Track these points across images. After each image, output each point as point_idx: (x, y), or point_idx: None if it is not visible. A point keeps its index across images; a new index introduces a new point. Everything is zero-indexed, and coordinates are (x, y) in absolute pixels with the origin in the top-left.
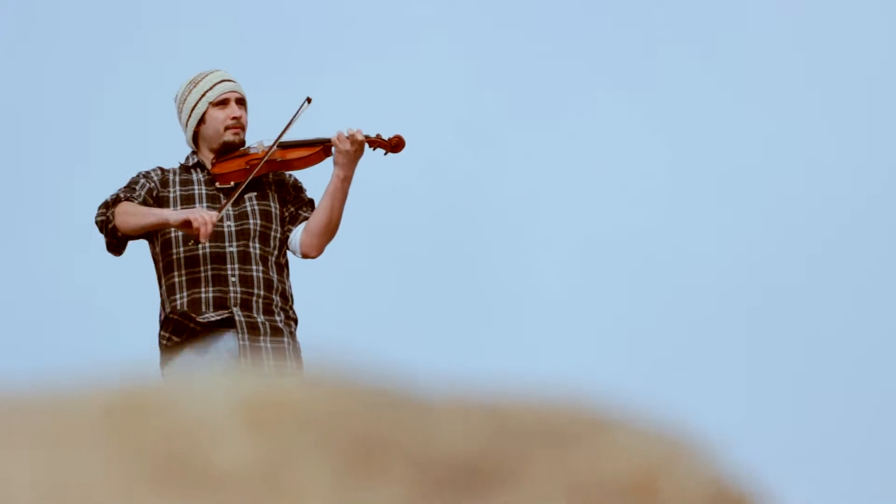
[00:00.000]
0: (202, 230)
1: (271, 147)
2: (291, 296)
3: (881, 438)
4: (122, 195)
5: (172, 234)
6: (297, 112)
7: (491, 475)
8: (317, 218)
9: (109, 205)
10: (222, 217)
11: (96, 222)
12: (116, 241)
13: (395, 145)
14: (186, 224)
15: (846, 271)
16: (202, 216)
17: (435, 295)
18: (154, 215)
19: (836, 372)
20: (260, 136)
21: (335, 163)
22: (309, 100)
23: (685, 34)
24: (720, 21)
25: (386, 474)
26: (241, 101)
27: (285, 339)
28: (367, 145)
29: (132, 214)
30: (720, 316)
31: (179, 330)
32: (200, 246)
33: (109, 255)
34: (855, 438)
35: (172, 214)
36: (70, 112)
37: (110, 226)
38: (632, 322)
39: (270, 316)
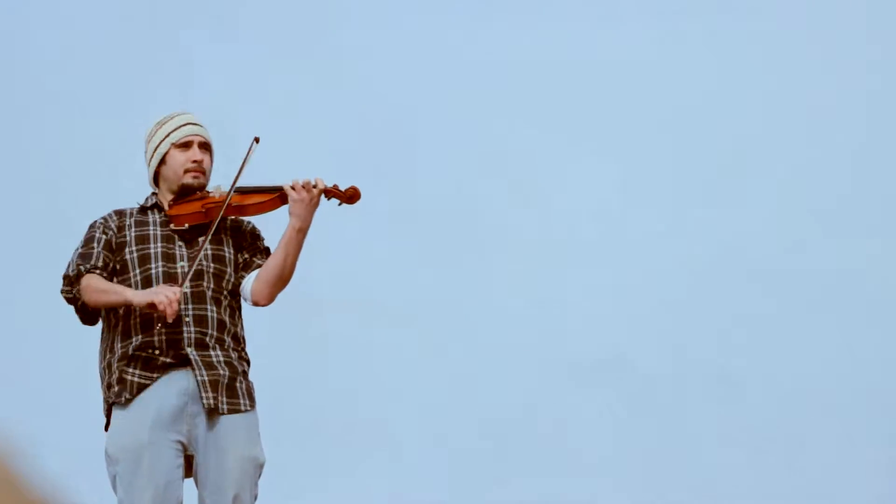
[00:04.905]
0: (168, 310)
1: (229, 193)
2: (244, 338)
3: None
4: (82, 269)
5: (132, 280)
6: (248, 153)
7: None
8: (269, 267)
9: (73, 280)
10: (182, 279)
11: (64, 298)
12: (88, 315)
13: (350, 196)
14: (151, 307)
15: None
16: (166, 296)
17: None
18: (117, 295)
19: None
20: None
21: (290, 212)
22: (257, 139)
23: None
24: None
25: None
26: (204, 146)
27: (238, 378)
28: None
29: (96, 291)
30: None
31: (152, 367)
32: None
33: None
34: None
35: (136, 296)
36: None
37: (80, 303)
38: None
39: (226, 353)
